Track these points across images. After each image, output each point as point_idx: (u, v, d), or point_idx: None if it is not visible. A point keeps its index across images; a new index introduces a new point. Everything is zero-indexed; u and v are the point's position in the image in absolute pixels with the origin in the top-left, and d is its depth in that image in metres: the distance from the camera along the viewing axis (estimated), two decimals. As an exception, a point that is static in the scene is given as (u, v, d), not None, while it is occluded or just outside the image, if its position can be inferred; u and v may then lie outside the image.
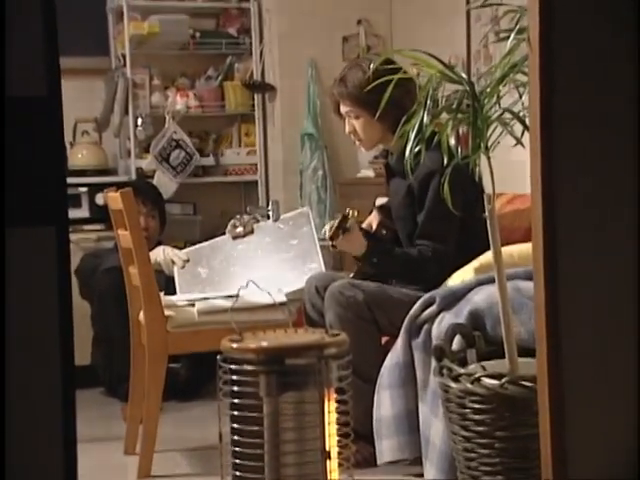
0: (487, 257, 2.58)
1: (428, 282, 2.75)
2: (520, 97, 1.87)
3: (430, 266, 2.78)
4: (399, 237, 2.98)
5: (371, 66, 2.81)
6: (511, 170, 3.34)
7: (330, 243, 2.82)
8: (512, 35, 1.80)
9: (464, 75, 1.93)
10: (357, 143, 3.02)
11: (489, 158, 1.93)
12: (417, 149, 1.91)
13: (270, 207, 3.52)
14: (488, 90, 1.89)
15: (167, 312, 2.98)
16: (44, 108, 1.35)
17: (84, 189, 4.42)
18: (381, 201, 3.34)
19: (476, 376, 2.09)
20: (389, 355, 2.63)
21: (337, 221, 2.82)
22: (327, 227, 2.88)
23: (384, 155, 3.08)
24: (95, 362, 4.05)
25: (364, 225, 3.07)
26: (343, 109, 2.95)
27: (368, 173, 4.41)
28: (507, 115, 1.87)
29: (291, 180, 4.68)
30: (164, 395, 2.97)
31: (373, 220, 3.10)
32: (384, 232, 3.04)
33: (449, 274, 2.74)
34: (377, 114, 2.59)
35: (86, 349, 4.04)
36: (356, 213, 2.95)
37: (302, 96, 4.65)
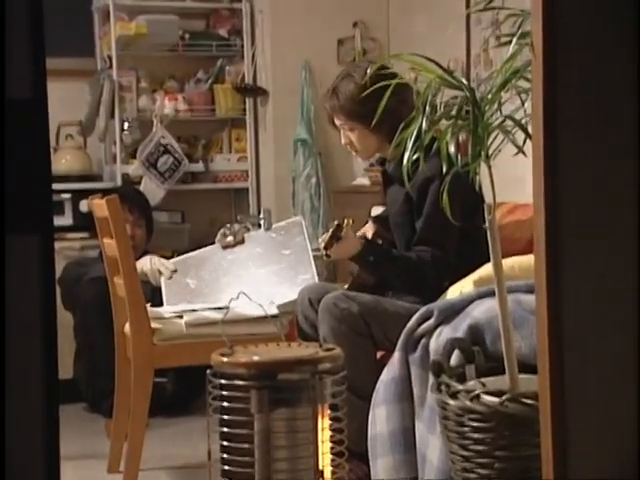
0: (487, 269, 2.58)
1: (426, 288, 2.76)
2: (522, 104, 1.88)
3: (429, 271, 2.79)
4: (396, 248, 2.98)
5: (364, 74, 2.82)
6: (512, 179, 3.35)
7: (324, 253, 2.82)
8: (514, 40, 1.81)
9: (464, 80, 1.94)
10: (354, 154, 3.05)
11: (490, 167, 1.94)
12: (415, 156, 1.91)
13: (261, 216, 3.52)
14: (489, 96, 1.90)
15: (154, 324, 2.97)
16: (29, 111, 1.35)
17: (67, 196, 4.43)
18: (377, 211, 3.34)
19: (475, 393, 2.10)
20: (385, 370, 2.63)
21: (331, 230, 2.82)
22: (322, 238, 2.88)
23: (380, 162, 3.09)
24: (77, 376, 4.04)
25: (359, 234, 3.07)
26: (337, 122, 2.96)
27: (364, 181, 4.42)
28: (509, 122, 1.88)
29: (283, 188, 4.69)
30: (150, 411, 2.97)
31: (368, 230, 3.11)
32: (380, 242, 3.05)
33: (448, 285, 2.75)
34: (372, 125, 2.60)
35: (68, 362, 4.04)
36: (351, 222, 2.96)
37: (295, 100, 4.66)
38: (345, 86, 2.90)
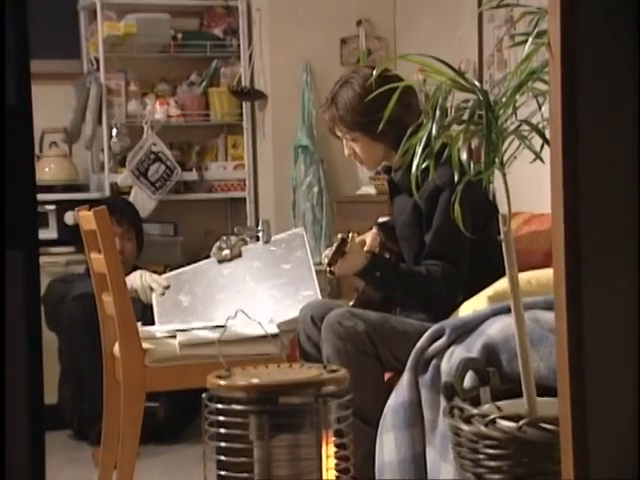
0: (502, 284, 2.58)
1: (437, 305, 2.75)
2: (539, 108, 1.88)
3: (440, 287, 2.79)
4: (404, 261, 2.99)
5: (364, 80, 2.83)
6: (529, 188, 3.35)
7: (328, 269, 2.83)
8: (530, 39, 1.81)
9: (476, 82, 1.94)
10: (358, 164, 3.06)
11: (504, 175, 1.94)
12: (425, 164, 1.92)
13: (260, 227, 3.53)
14: (503, 99, 1.90)
15: (145, 345, 2.97)
16: (12, 117, 1.35)
17: (52, 207, 4.43)
18: (383, 220, 3.34)
19: (491, 417, 2.10)
20: (393, 393, 2.63)
21: (335, 245, 2.82)
22: (325, 254, 2.88)
23: (386, 170, 3.09)
24: (63, 401, 4.04)
25: (357, 240, 3.06)
26: (338, 133, 2.97)
27: (369, 190, 4.42)
28: (525, 127, 1.88)
29: (283, 198, 4.69)
30: (141, 438, 2.97)
31: (368, 237, 3.09)
32: (387, 255, 3.05)
33: (461, 301, 2.75)
34: (376, 134, 2.62)
35: (52, 386, 4.03)
36: (356, 235, 2.96)
37: (296, 104, 4.67)
38: (344, 95, 2.90)
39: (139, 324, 3.06)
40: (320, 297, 3.26)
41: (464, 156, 1.89)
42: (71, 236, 4.23)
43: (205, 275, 3.48)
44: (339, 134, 2.98)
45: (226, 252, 3.47)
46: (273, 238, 3.50)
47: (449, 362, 2.50)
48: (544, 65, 1.81)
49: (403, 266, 2.88)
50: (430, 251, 2.84)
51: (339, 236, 2.88)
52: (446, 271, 2.80)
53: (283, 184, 4.69)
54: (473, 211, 2.73)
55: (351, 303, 3.02)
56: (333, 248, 2.83)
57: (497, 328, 2.48)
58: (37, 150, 4.62)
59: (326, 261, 2.84)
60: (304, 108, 4.67)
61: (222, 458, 2.03)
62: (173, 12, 4.81)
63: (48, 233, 4.39)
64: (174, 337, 3.04)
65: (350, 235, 2.95)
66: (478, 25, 4.04)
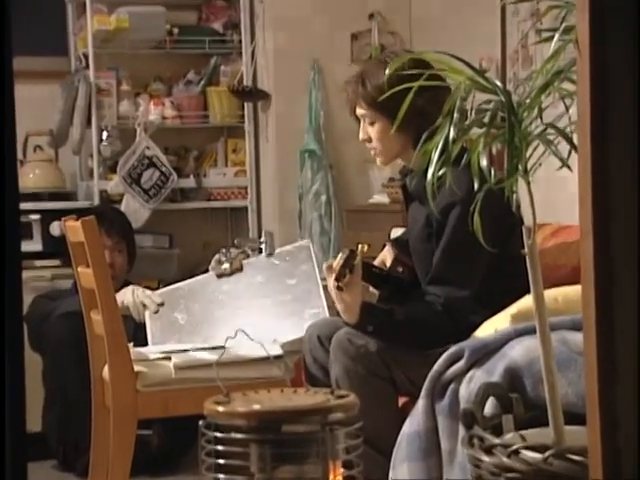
0: (526, 302, 2.58)
1: (441, 340, 2.74)
2: (567, 110, 1.89)
3: (440, 321, 2.77)
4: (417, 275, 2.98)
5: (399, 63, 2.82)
6: (555, 197, 3.36)
7: (334, 284, 2.82)
8: (557, 35, 1.82)
9: (498, 82, 1.95)
10: (372, 152, 3.02)
11: (529, 183, 1.94)
12: (442, 172, 1.92)
13: (263, 239, 3.54)
14: (528, 101, 1.91)
15: (137, 367, 2.98)
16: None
17: (36, 217, 4.45)
18: (397, 233, 3.34)
19: (514, 448, 2.09)
20: (408, 420, 2.63)
21: (343, 257, 2.81)
22: (327, 264, 2.88)
23: (403, 174, 3.09)
24: (47, 429, 4.04)
25: (377, 262, 3.07)
26: (359, 111, 2.96)
27: (382, 199, 4.43)
28: (551, 131, 1.89)
29: (288, 207, 4.70)
30: (133, 469, 2.97)
31: (387, 256, 3.11)
32: (400, 270, 3.05)
33: (481, 321, 2.74)
34: (395, 125, 2.60)
35: (36, 413, 4.04)
36: (366, 248, 2.96)
37: (302, 105, 4.69)
38: (374, 72, 2.90)
39: (130, 345, 3.06)
40: (328, 315, 3.26)
41: (484, 162, 1.89)
42: (57, 248, 4.24)
43: (203, 291, 3.49)
44: (359, 113, 2.97)
45: (226, 266, 3.48)
46: (277, 251, 3.51)
47: (468, 387, 2.49)
48: (572, 64, 1.82)
49: (397, 312, 2.81)
50: (433, 276, 2.82)
51: (347, 249, 2.87)
52: (449, 301, 2.77)
53: (288, 192, 4.70)
54: (494, 223, 2.72)
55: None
56: (340, 261, 2.82)
57: (521, 350, 2.48)
58: (20, 155, 4.64)
59: (329, 274, 2.83)
60: (311, 109, 4.68)
61: (220, 491, 2.03)
62: (169, 5, 4.83)
63: (32, 245, 4.41)
64: (169, 359, 3.04)
65: (359, 247, 2.95)
66: (501, 19, 4.04)
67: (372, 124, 2.93)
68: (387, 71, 2.81)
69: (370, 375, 2.76)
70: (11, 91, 1.37)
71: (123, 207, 4.57)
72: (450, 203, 2.73)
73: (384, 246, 3.17)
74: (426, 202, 1.90)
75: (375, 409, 2.71)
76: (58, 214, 4.01)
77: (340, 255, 2.83)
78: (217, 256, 3.53)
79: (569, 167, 1.81)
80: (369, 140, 2.96)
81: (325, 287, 3.37)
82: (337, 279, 2.80)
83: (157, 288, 3.75)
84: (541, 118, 1.91)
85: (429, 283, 2.82)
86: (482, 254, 2.62)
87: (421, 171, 2.36)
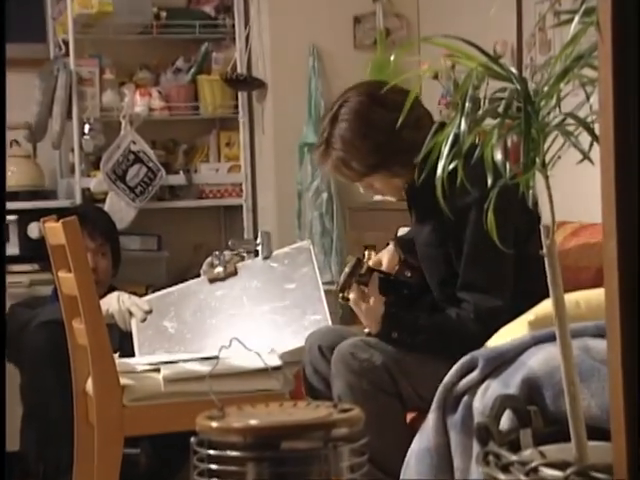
0: (545, 307, 2.58)
1: (470, 349, 2.73)
2: (587, 98, 1.89)
3: (471, 331, 2.76)
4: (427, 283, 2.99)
5: (353, 107, 2.81)
6: (576, 193, 3.36)
7: (340, 296, 2.84)
8: (576, 17, 1.82)
9: (514, 69, 1.95)
10: (380, 197, 3.06)
11: (547, 178, 1.94)
12: (452, 166, 1.92)
13: (259, 240, 3.54)
14: (545, 89, 1.91)
15: (123, 380, 2.99)
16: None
17: (13, 217, 4.45)
18: (404, 231, 3.34)
19: (533, 465, 2.10)
20: (417, 437, 2.64)
21: (350, 266, 2.84)
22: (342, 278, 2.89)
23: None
24: (26, 447, 4.05)
25: (372, 262, 3.05)
26: (346, 178, 2.96)
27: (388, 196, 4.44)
28: (570, 121, 1.89)
29: (286, 205, 4.71)
30: (119, 490, 2.98)
31: (384, 256, 3.09)
32: (408, 274, 3.05)
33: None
34: (394, 168, 2.61)
35: (14, 430, 4.04)
36: (373, 254, 2.97)
37: (301, 94, 4.69)
38: (339, 134, 2.86)
39: (116, 356, 3.07)
40: (330, 323, 3.27)
41: (499, 156, 1.90)
42: (35, 252, 4.25)
43: (194, 297, 3.49)
44: (348, 180, 2.97)
45: (219, 270, 3.49)
46: (274, 253, 3.52)
47: (483, 399, 2.50)
48: (593, 48, 1.82)
49: (423, 319, 2.85)
50: (463, 283, 2.82)
51: (354, 258, 2.88)
52: (479, 308, 2.77)
53: (286, 189, 4.71)
54: (511, 222, 2.73)
55: (367, 330, 3.02)
56: (347, 270, 2.85)
57: (540, 359, 2.48)
58: (-5, 150, 4.65)
59: (339, 287, 2.85)
60: (310, 99, 4.68)
61: (214, 514, 2.04)
62: (156, -13, 4.84)
63: (9, 248, 4.41)
64: (158, 371, 3.05)
65: (366, 254, 2.95)
66: (517, 0, 4.05)
67: (369, 183, 2.93)
68: (352, 122, 2.81)
69: (375, 391, 2.77)
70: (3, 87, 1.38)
71: (107, 206, 4.58)
72: (467, 203, 2.73)
73: (387, 244, 3.15)
74: (436, 203, 1.90)
75: (381, 426, 2.72)
76: (36, 214, 4.01)
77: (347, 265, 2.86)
78: (209, 259, 3.53)
79: (591, 160, 1.81)
80: (374, 190, 2.98)
81: (327, 292, 3.38)
82: (342, 289, 2.83)
83: (145, 294, 3.76)
84: (560, 108, 1.91)
85: (460, 290, 2.83)
86: (509, 255, 2.63)
87: (430, 169, 2.39)
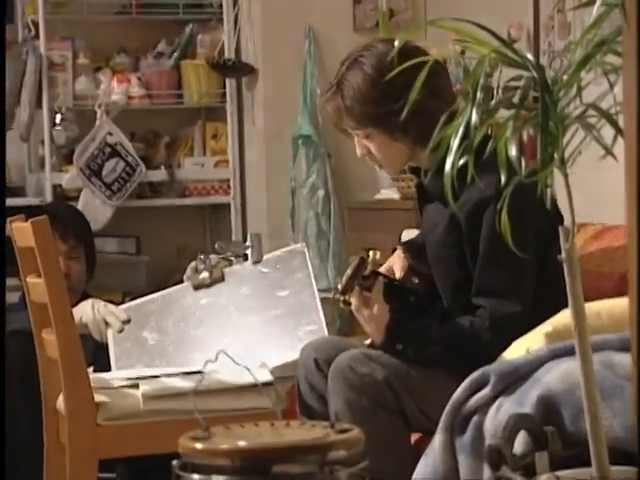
0: (564, 318, 2.59)
1: (486, 362, 2.73)
2: (611, 88, 1.90)
3: (485, 342, 2.76)
4: (437, 288, 2.99)
5: (378, 58, 2.83)
6: (599, 192, 3.37)
7: (341, 299, 2.84)
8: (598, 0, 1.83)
9: (530, 55, 1.96)
10: (377, 167, 3.06)
11: (566, 175, 1.95)
12: (462, 162, 1.93)
13: (248, 243, 3.54)
14: (565, 77, 1.92)
15: (97, 397, 2.99)
16: None
17: (-23, 216, 4.46)
18: (409, 235, 3.35)
19: (549, 491, 2.11)
20: (423, 460, 2.64)
21: (352, 268, 2.83)
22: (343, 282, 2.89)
23: (413, 170, 3.10)
24: (-9, 470, 4.05)
25: (382, 270, 3.07)
26: (346, 126, 2.97)
27: (391, 194, 4.44)
28: (592, 113, 1.90)
29: (279, 204, 4.71)
30: (93, 519, 2.98)
31: (396, 263, 3.11)
32: (416, 281, 3.06)
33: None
34: (395, 128, 2.63)
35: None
36: (378, 255, 2.96)
37: (295, 82, 4.70)
38: (352, 79, 2.90)
39: (90, 370, 3.07)
40: (327, 333, 3.27)
41: (513, 151, 1.90)
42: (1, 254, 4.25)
43: (177, 305, 3.49)
44: (347, 128, 2.98)
45: (204, 275, 3.49)
46: (265, 257, 3.52)
47: (495, 419, 2.50)
48: (617, 33, 1.83)
49: (432, 328, 2.85)
50: (478, 287, 2.82)
51: (358, 257, 2.88)
52: (498, 313, 2.77)
53: (279, 186, 4.72)
54: (533, 225, 2.74)
55: (368, 342, 3.03)
56: (349, 272, 2.84)
57: (557, 375, 2.49)
58: (-43, 142, 4.65)
59: (340, 288, 2.85)
60: (306, 87, 4.69)
61: None
62: (135, -38, 4.84)
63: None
64: (136, 387, 3.05)
65: (370, 255, 2.95)
66: (533, -21, 4.06)
67: (367, 138, 2.94)
68: (370, 71, 2.83)
69: (377, 408, 2.77)
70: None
71: (81, 205, 4.58)
72: (482, 200, 2.74)
73: (394, 251, 3.16)
74: (449, 201, 1.90)
75: (383, 448, 2.72)
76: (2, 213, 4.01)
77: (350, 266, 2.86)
78: (194, 263, 3.53)
79: (614, 156, 1.82)
80: (370, 155, 2.97)
81: (324, 300, 3.38)
82: (344, 292, 2.83)
83: (122, 302, 3.75)
84: (581, 98, 1.92)
85: (475, 295, 2.83)
86: (529, 253, 2.64)
87: (438, 165, 2.39)
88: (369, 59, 2.89)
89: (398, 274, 3.06)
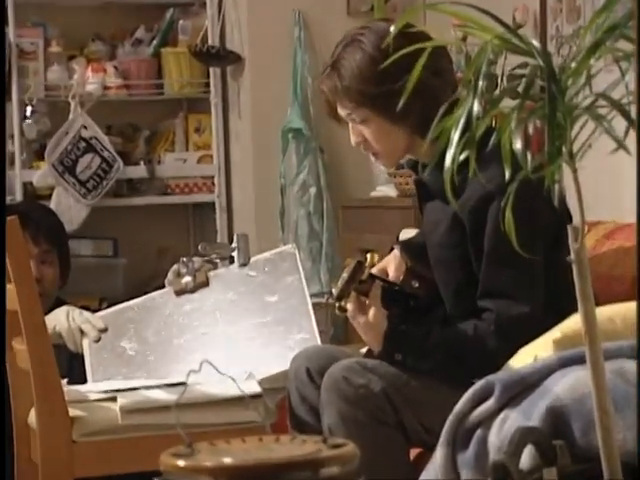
0: (573, 323, 2.60)
1: (492, 370, 2.73)
2: (622, 76, 1.90)
3: (491, 348, 2.76)
4: (439, 291, 3.00)
5: (378, 37, 2.85)
6: (610, 187, 3.38)
7: (336, 304, 2.84)
8: (610, -20, 1.84)
9: (536, 42, 1.97)
10: (372, 158, 3.05)
11: (575, 170, 1.96)
12: (464, 156, 1.94)
13: (234, 244, 3.55)
14: (573, 65, 1.93)
15: (72, 411, 2.99)
16: None
17: (-59, 217, 4.46)
18: (408, 234, 3.35)
19: (559, 510, 2.11)
20: (423, 476, 2.65)
21: (349, 271, 2.83)
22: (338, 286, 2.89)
23: (412, 165, 3.11)
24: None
25: (375, 270, 3.05)
26: (342, 111, 2.98)
27: (388, 191, 4.45)
28: (603, 103, 1.91)
29: (267, 202, 4.72)
30: (68, 542, 2.98)
31: (391, 262, 3.11)
32: (415, 284, 3.06)
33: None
34: (395, 112, 2.62)
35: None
36: (376, 258, 2.97)
37: (284, 71, 4.70)
38: (351, 58, 2.91)
39: (64, 382, 3.07)
40: (319, 342, 3.28)
41: (518, 144, 1.91)
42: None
43: (158, 312, 3.50)
44: (343, 113, 2.98)
45: (187, 280, 3.49)
46: (253, 259, 3.52)
47: (500, 433, 2.51)
48: (629, 17, 1.84)
49: (433, 335, 2.85)
50: (484, 288, 2.82)
51: (355, 260, 2.88)
52: (504, 315, 2.77)
53: (267, 183, 4.72)
54: (541, 224, 2.74)
55: (364, 350, 3.04)
56: (345, 275, 2.85)
57: (566, 385, 2.49)
58: None
59: (336, 293, 2.85)
60: (296, 76, 4.70)
61: None
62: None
63: None
64: (114, 400, 3.05)
65: (368, 258, 2.95)
66: (540, -41, 4.07)
67: (365, 123, 2.94)
68: (371, 50, 2.85)
69: (373, 422, 2.78)
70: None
71: (53, 204, 4.58)
72: (486, 195, 2.74)
73: (391, 250, 3.15)
74: (452, 195, 1.90)
75: (380, 464, 2.73)
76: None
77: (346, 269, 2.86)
78: (176, 267, 3.54)
79: (627, 149, 1.83)
80: (365, 144, 2.97)
81: (316, 305, 3.39)
82: (339, 298, 2.83)
83: (99, 309, 3.76)
84: (590, 87, 1.93)
85: (481, 297, 2.83)
86: (536, 253, 2.64)
87: (438, 159, 2.40)
88: (368, 37, 2.90)
89: (392, 274, 3.04)
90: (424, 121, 2.74)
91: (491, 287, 2.81)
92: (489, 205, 2.76)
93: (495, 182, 2.61)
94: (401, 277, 3.06)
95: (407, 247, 3.13)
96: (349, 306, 2.84)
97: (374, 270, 3.00)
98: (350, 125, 2.98)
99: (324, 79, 2.98)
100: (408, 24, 2.78)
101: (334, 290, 2.86)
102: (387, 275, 3.04)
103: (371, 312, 2.84)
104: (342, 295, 2.82)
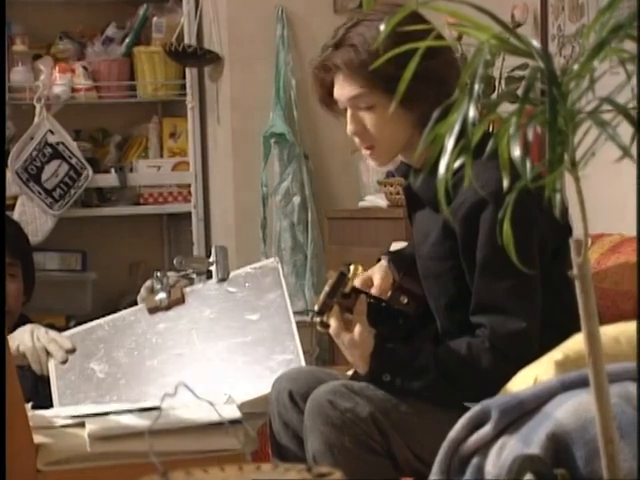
0: (576, 343, 2.60)
1: (489, 391, 2.73)
2: (628, 78, 1.91)
3: (482, 365, 2.78)
4: (429, 307, 3.00)
5: (386, 16, 2.83)
6: (615, 198, 3.39)
7: (318, 320, 2.83)
8: (614, -23, 1.85)
9: (536, 42, 1.98)
10: (365, 153, 3.02)
11: (578, 179, 1.97)
12: (459, 164, 1.94)
13: (213, 258, 3.55)
14: (576, 67, 1.94)
15: (37, 438, 2.99)
16: None
17: None
18: (398, 247, 3.35)
19: None
20: (414, 509, 2.66)
21: (330, 284, 2.82)
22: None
23: (403, 172, 3.10)
24: None
25: (357, 283, 3.02)
26: (347, 93, 2.92)
27: (377, 201, 4.46)
28: (607, 107, 1.92)
29: (248, 212, 4.72)
30: None
31: (376, 273, 3.09)
32: (404, 301, 3.06)
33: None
34: (410, 95, 2.61)
35: None
36: (360, 270, 2.96)
37: (267, 71, 4.71)
38: (364, 31, 2.86)
39: (29, 406, 3.07)
40: (304, 363, 3.28)
41: (517, 151, 1.92)
42: None
43: (130, 331, 3.50)
44: (346, 97, 2.91)
45: (161, 296, 3.49)
46: (233, 274, 3.52)
47: (498, 461, 2.52)
48: (634, 16, 1.85)
49: (426, 354, 2.83)
50: (477, 304, 2.82)
51: (338, 270, 2.87)
52: (499, 331, 2.77)
53: (247, 192, 4.72)
54: (538, 236, 2.75)
55: (350, 372, 3.04)
56: (327, 288, 2.83)
57: (569, 410, 2.50)
58: None
59: (317, 307, 2.84)
60: (279, 77, 4.71)
61: None
62: None
63: None
64: (82, 426, 3.05)
65: (352, 269, 2.95)
66: (540, -47, 4.09)
67: (369, 108, 2.89)
68: (381, 25, 2.82)
69: (361, 449, 2.77)
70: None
71: (17, 214, 4.58)
72: (478, 202, 2.74)
73: (378, 260, 3.13)
74: (441, 206, 1.90)
75: (369, 494, 2.73)
76: None
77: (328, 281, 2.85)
78: (149, 282, 3.54)
79: (632, 157, 1.84)
80: (363, 133, 2.92)
81: (300, 324, 3.39)
82: (321, 312, 2.80)
83: (66, 328, 3.76)
84: (593, 91, 1.94)
85: (473, 313, 2.83)
86: (535, 267, 2.65)
87: (430, 166, 2.40)
88: (378, 15, 2.88)
89: (377, 283, 3.02)
90: (431, 112, 2.74)
91: (485, 301, 2.80)
92: (481, 213, 2.75)
93: (489, 188, 2.62)
94: (388, 289, 3.05)
95: (396, 259, 3.11)
96: (332, 322, 2.81)
97: (357, 281, 2.97)
98: (349, 112, 2.91)
99: (334, 54, 2.89)
100: (417, 16, 2.77)
101: (315, 306, 2.84)
102: (371, 284, 3.01)
103: (356, 329, 2.82)
104: (324, 309, 2.78)
